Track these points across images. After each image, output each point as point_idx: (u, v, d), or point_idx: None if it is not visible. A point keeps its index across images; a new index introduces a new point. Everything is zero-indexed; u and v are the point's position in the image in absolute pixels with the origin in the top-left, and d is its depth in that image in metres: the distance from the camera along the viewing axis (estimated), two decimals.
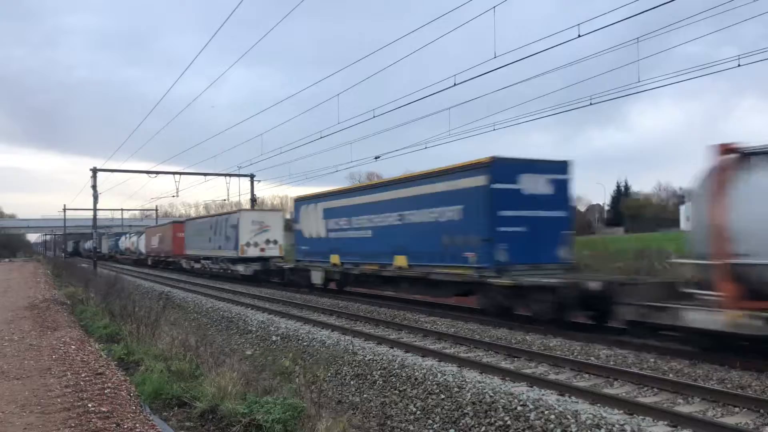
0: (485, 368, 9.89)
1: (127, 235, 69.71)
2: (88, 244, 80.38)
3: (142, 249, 58.65)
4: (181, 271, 42.96)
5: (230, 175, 41.05)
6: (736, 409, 7.49)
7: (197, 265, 38.78)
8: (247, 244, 31.02)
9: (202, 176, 41.84)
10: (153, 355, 9.76)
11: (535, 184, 15.12)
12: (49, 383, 7.93)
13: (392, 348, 12.02)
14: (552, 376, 9.40)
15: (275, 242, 31.70)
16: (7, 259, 79.71)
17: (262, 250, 31.28)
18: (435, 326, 14.58)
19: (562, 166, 15.78)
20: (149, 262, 55.11)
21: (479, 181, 15.11)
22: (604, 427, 6.85)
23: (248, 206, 44.29)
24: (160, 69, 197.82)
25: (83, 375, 8.33)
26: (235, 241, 31.40)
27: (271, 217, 32.65)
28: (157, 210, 78.74)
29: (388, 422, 9.10)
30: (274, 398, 6.59)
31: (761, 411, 7.28)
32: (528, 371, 9.70)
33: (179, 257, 43.54)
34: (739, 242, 9.26)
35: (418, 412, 8.95)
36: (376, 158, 28.20)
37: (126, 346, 10.83)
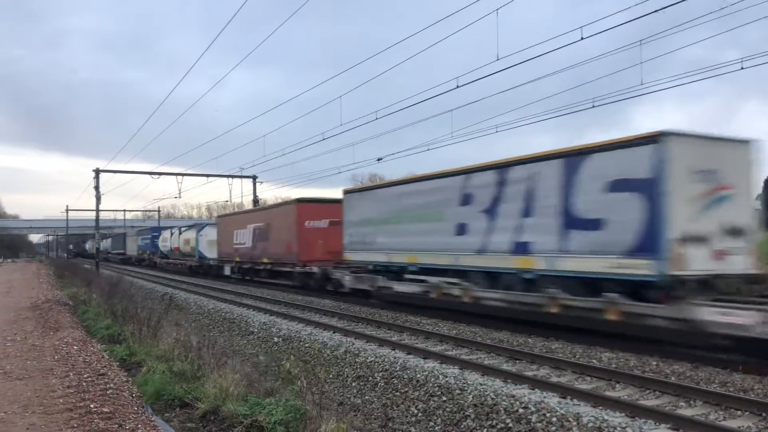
0: (487, 370, 9.88)
1: (176, 230, 48.70)
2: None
3: (207, 251, 39.87)
4: (332, 294, 23.12)
5: (233, 177, 41.11)
6: (738, 413, 7.48)
7: (402, 289, 17.77)
8: (690, 239, 10.84)
9: (205, 177, 41.95)
10: (155, 356, 9.78)
11: None
12: (51, 384, 7.95)
13: (394, 350, 12.02)
14: (554, 379, 9.39)
15: (741, 233, 11.39)
16: (9, 260, 79.86)
17: (721, 255, 11.08)
18: (437, 328, 14.58)
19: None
20: (228, 272, 34.72)
21: None
22: (606, 429, 6.85)
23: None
24: (163, 70, 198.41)
25: (85, 376, 8.35)
26: (653, 225, 10.93)
27: (731, 154, 11.58)
28: (159, 211, 78.94)
29: (390, 424, 9.10)
30: (276, 400, 6.60)
31: (763, 414, 7.28)
32: (530, 374, 9.69)
33: (321, 265, 24.16)
34: None
35: (420, 414, 8.95)
36: (378, 160, 28.17)
37: (128, 347, 10.85)
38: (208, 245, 39.98)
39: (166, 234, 51.82)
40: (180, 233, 46.87)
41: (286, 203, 28.84)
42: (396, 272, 18.18)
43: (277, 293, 25.29)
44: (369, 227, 19.43)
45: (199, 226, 44.19)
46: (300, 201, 26.66)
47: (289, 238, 26.60)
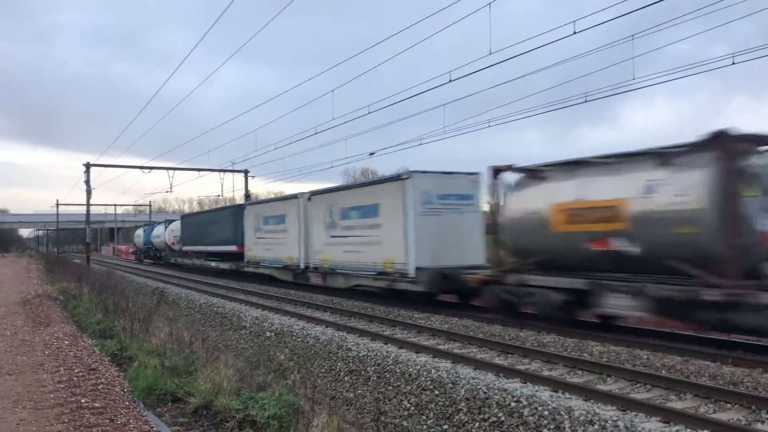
0: (479, 364, 9.91)
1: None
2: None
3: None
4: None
5: (224, 171, 40.92)
6: (728, 405, 7.54)
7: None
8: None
9: (196, 172, 41.75)
10: (147, 350, 9.75)
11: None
12: (42, 379, 7.91)
13: (386, 344, 12.03)
14: (545, 373, 9.43)
15: None
16: None
17: None
18: (429, 323, 14.60)
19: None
20: None
21: None
22: (597, 423, 6.89)
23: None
24: (154, 65, 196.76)
25: (76, 371, 8.31)
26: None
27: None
28: (150, 205, 78.60)
29: (382, 418, 9.11)
30: (269, 394, 6.59)
31: (753, 407, 7.34)
32: (522, 367, 9.73)
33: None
34: None
35: (412, 408, 8.97)
36: (371, 154, 28.33)
37: (119, 341, 10.82)
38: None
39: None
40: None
41: None
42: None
43: (270, 288, 25.23)
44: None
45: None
46: None
47: None
